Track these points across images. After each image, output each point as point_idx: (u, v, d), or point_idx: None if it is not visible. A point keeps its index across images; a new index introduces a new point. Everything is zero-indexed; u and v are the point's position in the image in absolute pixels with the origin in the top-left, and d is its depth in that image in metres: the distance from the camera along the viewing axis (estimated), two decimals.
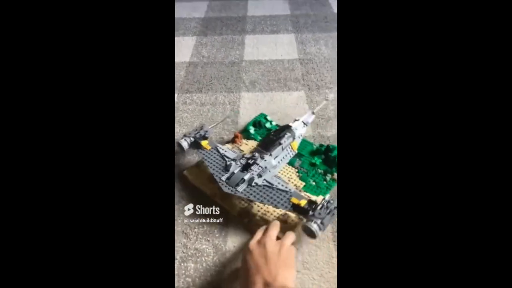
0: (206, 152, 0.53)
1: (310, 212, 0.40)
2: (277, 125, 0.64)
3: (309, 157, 0.57)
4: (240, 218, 0.47)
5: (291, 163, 0.55)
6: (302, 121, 0.57)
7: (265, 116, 0.66)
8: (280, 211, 0.46)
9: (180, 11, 1.20)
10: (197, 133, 0.55)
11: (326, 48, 0.92)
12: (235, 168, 0.48)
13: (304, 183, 0.52)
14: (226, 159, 0.50)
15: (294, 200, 0.42)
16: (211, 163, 0.50)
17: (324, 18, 1.10)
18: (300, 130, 0.55)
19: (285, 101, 0.73)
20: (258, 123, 0.64)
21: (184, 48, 0.96)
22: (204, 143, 0.54)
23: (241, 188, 0.45)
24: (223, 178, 0.47)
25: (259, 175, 0.46)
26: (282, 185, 0.45)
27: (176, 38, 1.02)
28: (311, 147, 0.59)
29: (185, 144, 0.53)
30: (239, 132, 0.62)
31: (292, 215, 0.45)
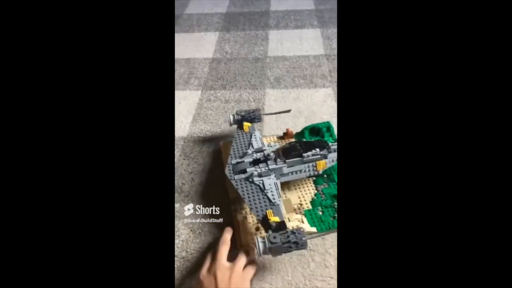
0: (241, 133, 0.53)
1: (270, 232, 0.37)
2: (335, 140, 0.56)
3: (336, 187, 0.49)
4: (231, 203, 0.47)
5: (317, 182, 0.50)
6: None
7: (328, 126, 0.58)
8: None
9: (202, 6, 1.19)
10: (248, 114, 0.55)
11: None
12: (247, 158, 0.47)
13: (310, 207, 0.46)
14: (250, 147, 0.50)
15: (269, 212, 0.39)
16: (236, 145, 0.51)
17: None
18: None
19: (311, 98, 0.70)
20: (316, 130, 0.58)
21: (207, 44, 0.95)
22: (246, 124, 0.54)
23: (238, 177, 0.45)
24: (233, 161, 0.47)
25: (260, 175, 0.44)
26: (273, 195, 0.41)
27: (198, 34, 1.01)
28: None
29: (231, 118, 0.55)
30: (292, 130, 0.59)
31: None
